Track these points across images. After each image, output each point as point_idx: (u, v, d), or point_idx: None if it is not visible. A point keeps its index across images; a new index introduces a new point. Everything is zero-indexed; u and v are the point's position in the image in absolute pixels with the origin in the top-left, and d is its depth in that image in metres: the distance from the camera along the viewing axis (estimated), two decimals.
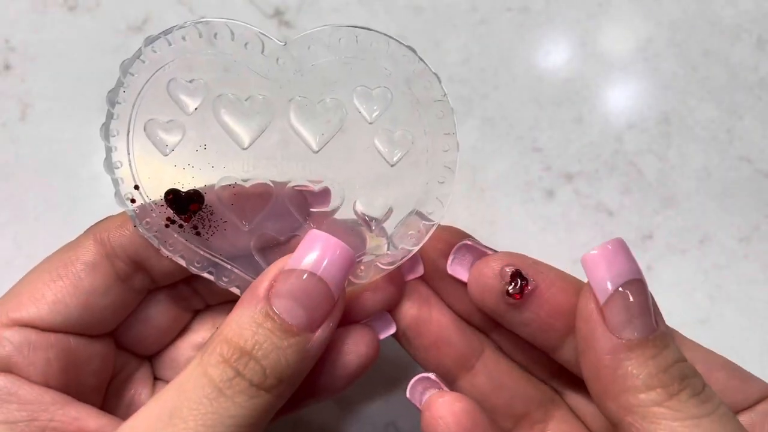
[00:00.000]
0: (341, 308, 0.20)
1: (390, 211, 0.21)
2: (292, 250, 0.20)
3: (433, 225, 0.21)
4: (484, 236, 0.32)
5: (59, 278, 0.21)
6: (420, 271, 0.23)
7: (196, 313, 0.25)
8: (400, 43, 0.20)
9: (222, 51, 0.20)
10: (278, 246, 0.22)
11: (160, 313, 0.24)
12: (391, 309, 0.23)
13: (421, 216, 0.21)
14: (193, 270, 0.22)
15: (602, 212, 0.33)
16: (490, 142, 0.35)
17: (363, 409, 0.32)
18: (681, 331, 0.31)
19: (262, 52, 0.20)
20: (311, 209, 0.22)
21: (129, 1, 0.37)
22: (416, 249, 0.21)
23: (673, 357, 0.19)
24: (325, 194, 0.22)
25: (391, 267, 0.21)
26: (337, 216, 0.22)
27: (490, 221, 0.34)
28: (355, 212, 0.22)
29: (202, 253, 0.21)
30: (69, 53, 0.36)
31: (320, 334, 0.19)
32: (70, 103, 0.36)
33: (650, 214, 0.33)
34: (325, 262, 0.19)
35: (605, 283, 0.19)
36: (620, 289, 0.19)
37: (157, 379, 0.25)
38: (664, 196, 0.33)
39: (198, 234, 0.21)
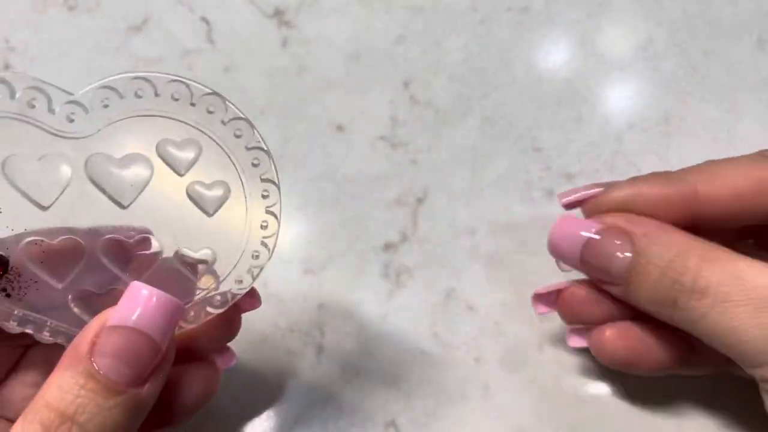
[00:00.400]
0: (171, 358, 0.20)
1: (215, 258, 0.21)
2: (114, 301, 0.20)
3: (261, 266, 0.21)
4: (483, 235, 0.33)
5: None
6: (256, 304, 0.23)
7: (27, 349, 0.24)
8: (206, 90, 0.19)
9: (4, 109, 0.19)
10: (98, 297, 0.21)
11: None
12: (212, 395, 0.23)
13: (248, 260, 0.21)
14: (12, 329, 0.21)
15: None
16: (489, 142, 0.34)
17: (363, 409, 0.31)
18: None
19: (49, 108, 0.19)
20: (130, 259, 0.21)
21: (129, 1, 0.37)
22: (244, 291, 0.21)
23: None
24: (143, 242, 0.21)
25: (221, 309, 0.21)
26: (159, 265, 0.21)
27: (490, 220, 0.33)
28: (179, 259, 0.21)
29: (15, 312, 0.21)
30: (69, 53, 0.36)
31: (148, 388, 0.19)
32: None
33: None
34: (148, 315, 0.19)
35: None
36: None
37: None
38: None
39: (8, 296, 0.20)
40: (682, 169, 0.24)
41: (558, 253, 0.25)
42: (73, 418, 0.18)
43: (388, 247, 0.33)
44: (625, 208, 0.24)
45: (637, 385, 0.31)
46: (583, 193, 0.25)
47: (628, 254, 0.22)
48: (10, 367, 0.24)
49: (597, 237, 0.23)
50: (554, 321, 0.32)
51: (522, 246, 0.33)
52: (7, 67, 0.36)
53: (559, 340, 0.32)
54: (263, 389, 0.31)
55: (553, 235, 0.24)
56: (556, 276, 0.32)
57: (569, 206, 0.25)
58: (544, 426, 0.31)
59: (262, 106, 0.35)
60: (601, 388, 0.31)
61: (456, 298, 0.33)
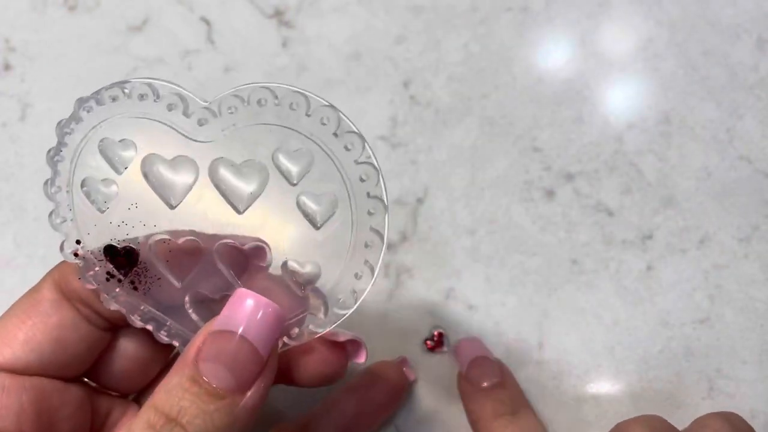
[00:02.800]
0: (273, 368, 0.20)
1: (319, 272, 0.21)
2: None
3: (364, 290, 0.21)
4: (483, 235, 0.33)
5: (28, 318, 0.21)
6: (362, 357, 0.24)
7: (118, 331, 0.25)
8: (322, 102, 0.19)
9: (148, 111, 0.20)
10: (213, 302, 0.22)
11: (135, 348, 0.24)
12: (335, 378, 0.23)
13: (351, 280, 0.21)
14: (135, 323, 0.22)
15: (602, 212, 0.33)
16: (489, 142, 0.34)
17: None
18: (680, 331, 0.32)
19: (185, 112, 0.20)
20: (244, 268, 0.22)
21: (129, 1, 0.37)
22: (348, 312, 0.21)
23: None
24: (257, 251, 0.21)
25: (322, 331, 0.21)
26: (269, 276, 0.21)
27: (489, 220, 0.34)
28: (286, 272, 0.21)
29: (141, 307, 0.22)
30: (69, 53, 0.36)
31: (251, 395, 0.19)
32: (70, 103, 0.36)
33: (650, 214, 0.33)
34: (253, 322, 0.19)
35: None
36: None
37: None
38: (664, 196, 0.33)
39: (135, 288, 0.22)
40: None
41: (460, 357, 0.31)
42: (176, 419, 0.18)
43: (388, 246, 0.33)
44: None
45: (637, 386, 0.31)
46: None
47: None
48: (162, 364, 0.25)
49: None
50: (555, 322, 0.32)
51: (521, 246, 0.33)
52: (7, 67, 0.36)
53: (560, 341, 0.32)
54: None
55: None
56: (554, 276, 0.33)
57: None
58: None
59: None
60: (601, 388, 0.31)
61: (456, 298, 0.33)
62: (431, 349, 0.32)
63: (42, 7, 0.37)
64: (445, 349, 0.32)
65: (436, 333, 0.32)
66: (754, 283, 0.32)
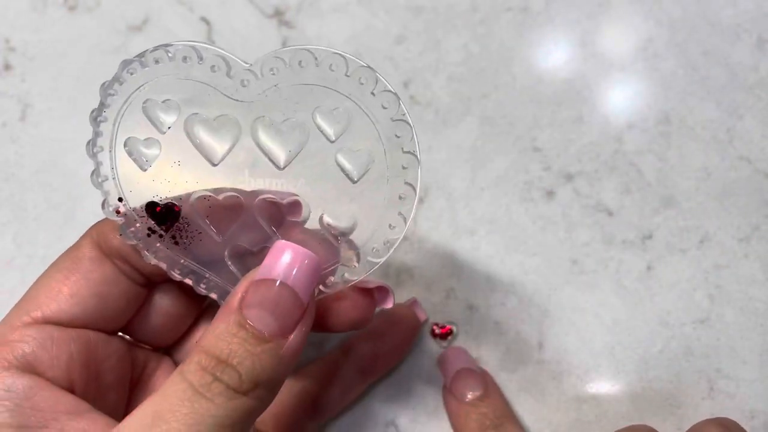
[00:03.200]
0: (312, 313, 0.21)
1: (355, 225, 0.22)
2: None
3: (397, 239, 0.22)
4: (483, 235, 0.33)
5: (71, 274, 0.22)
6: (390, 303, 0.25)
7: (207, 298, 0.26)
8: (360, 63, 0.21)
9: (191, 73, 0.21)
10: (252, 255, 0.23)
11: (170, 303, 0.25)
12: (365, 323, 0.24)
13: (385, 230, 0.22)
14: (175, 276, 0.23)
15: (602, 212, 0.33)
16: (489, 142, 0.34)
17: (363, 409, 0.32)
18: (680, 331, 0.32)
19: (228, 74, 0.21)
20: (281, 221, 0.23)
21: (129, 1, 0.37)
22: (381, 261, 0.22)
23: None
24: (294, 206, 0.22)
25: (356, 279, 0.22)
26: (306, 228, 0.23)
27: (490, 221, 0.34)
28: (323, 225, 0.22)
29: (181, 261, 0.23)
30: (69, 53, 0.36)
31: (293, 339, 0.20)
32: (70, 103, 0.36)
33: (650, 214, 0.33)
34: (292, 271, 0.20)
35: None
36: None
37: None
38: (664, 196, 0.33)
39: (176, 243, 0.23)
40: None
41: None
42: (226, 361, 0.19)
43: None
44: None
45: (637, 386, 0.32)
46: None
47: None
48: (194, 318, 0.26)
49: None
50: (555, 322, 0.32)
51: (521, 246, 0.33)
52: (7, 67, 0.36)
53: (560, 341, 0.32)
54: None
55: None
56: (554, 276, 0.33)
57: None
58: (544, 427, 0.31)
59: None
60: (602, 388, 0.32)
61: (456, 298, 0.33)
62: (434, 336, 0.32)
63: (42, 7, 0.37)
64: (445, 344, 0.32)
65: (447, 326, 0.32)
66: (754, 283, 0.32)
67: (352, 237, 0.22)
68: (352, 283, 0.22)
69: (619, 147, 0.34)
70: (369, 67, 0.21)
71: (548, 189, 0.34)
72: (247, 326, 0.20)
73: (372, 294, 0.24)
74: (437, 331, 0.32)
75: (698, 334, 0.32)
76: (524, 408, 0.31)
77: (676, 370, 0.32)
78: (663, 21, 0.35)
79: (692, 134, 0.34)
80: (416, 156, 0.21)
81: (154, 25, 0.36)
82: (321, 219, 0.22)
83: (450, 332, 0.32)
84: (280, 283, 0.20)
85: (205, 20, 0.37)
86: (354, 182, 0.22)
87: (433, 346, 0.32)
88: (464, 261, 0.33)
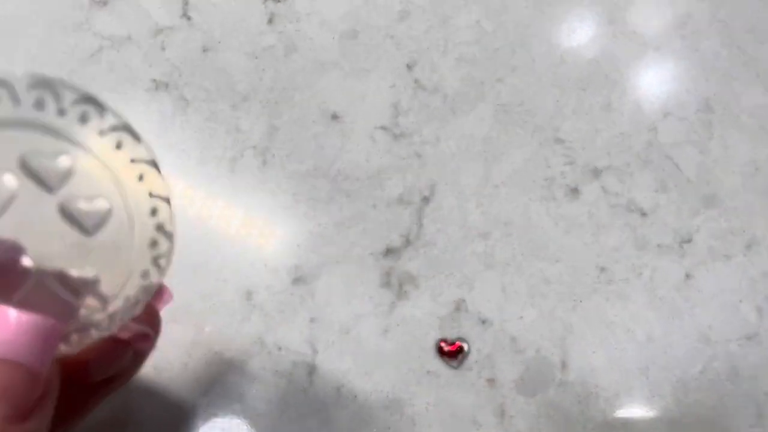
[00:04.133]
0: (56, 385, 0.20)
1: (97, 278, 0.20)
2: None
3: (151, 287, 0.21)
4: (498, 239, 0.32)
5: None
6: (168, 300, 0.24)
7: None
8: (79, 93, 0.18)
9: None
10: None
11: None
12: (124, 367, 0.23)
13: (137, 279, 0.21)
14: None
15: (634, 213, 0.32)
16: (505, 132, 0.33)
17: (363, 409, 0.30)
18: (724, 349, 0.31)
19: None
20: None
21: None
22: (134, 313, 0.21)
23: None
24: (12, 258, 0.20)
25: (108, 332, 0.21)
26: (35, 288, 0.21)
27: (505, 222, 0.32)
28: (58, 279, 0.20)
29: None
30: (25, 30, 0.35)
31: (34, 421, 0.18)
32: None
33: (689, 215, 0.32)
34: (19, 341, 0.18)
35: None
36: None
37: None
38: (705, 194, 0.32)
39: None
40: None
41: None
42: None
43: (390, 252, 0.31)
44: None
45: (675, 411, 0.30)
46: None
47: None
48: None
49: None
50: (580, 338, 0.31)
51: (542, 251, 0.32)
52: None
53: (586, 359, 0.31)
54: (248, 415, 0.29)
55: None
56: (580, 285, 0.32)
57: None
58: None
59: (245, 91, 0.34)
60: (634, 414, 0.30)
61: (466, 310, 0.31)
62: (442, 354, 0.30)
63: None
64: (454, 364, 0.30)
65: (457, 343, 0.31)
66: None
67: (99, 289, 0.21)
68: (102, 337, 0.21)
69: (653, 138, 0.33)
70: (91, 97, 0.18)
71: (572, 186, 0.32)
72: None
73: (128, 342, 0.23)
74: (445, 348, 0.31)
75: (744, 352, 0.31)
76: None
77: (720, 393, 0.30)
78: None
79: (737, 123, 0.33)
80: (166, 199, 0.20)
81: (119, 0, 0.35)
82: (55, 273, 0.20)
83: (460, 350, 0.31)
84: (4, 358, 0.18)
85: None
86: (89, 234, 0.20)
87: (438, 368, 0.31)
88: (476, 268, 0.31)
